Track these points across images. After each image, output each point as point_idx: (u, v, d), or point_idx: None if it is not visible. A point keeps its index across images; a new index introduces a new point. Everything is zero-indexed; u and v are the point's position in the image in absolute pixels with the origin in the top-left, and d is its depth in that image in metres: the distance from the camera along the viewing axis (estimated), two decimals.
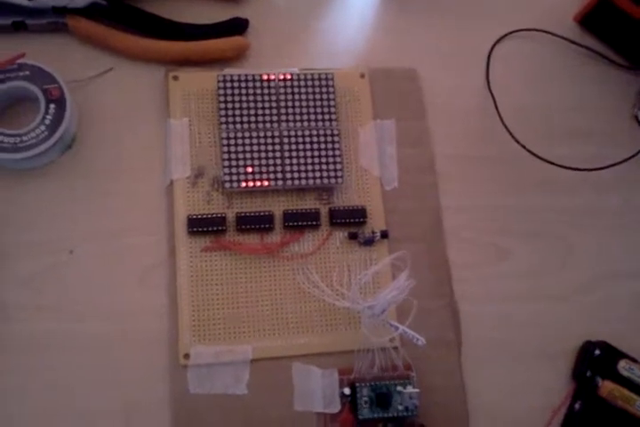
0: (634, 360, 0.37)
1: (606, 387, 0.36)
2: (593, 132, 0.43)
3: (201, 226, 0.35)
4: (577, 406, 0.36)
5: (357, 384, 0.33)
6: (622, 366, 0.36)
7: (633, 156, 0.40)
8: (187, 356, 0.34)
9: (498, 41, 0.43)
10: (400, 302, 0.33)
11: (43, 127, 0.35)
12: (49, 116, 0.35)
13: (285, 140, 0.37)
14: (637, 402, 0.35)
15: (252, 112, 0.37)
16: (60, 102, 0.35)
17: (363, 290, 0.34)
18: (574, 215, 0.41)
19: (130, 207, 0.36)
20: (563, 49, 0.44)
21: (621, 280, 0.40)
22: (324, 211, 0.37)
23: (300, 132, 0.37)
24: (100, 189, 0.36)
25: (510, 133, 0.39)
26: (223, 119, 0.36)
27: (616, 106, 0.43)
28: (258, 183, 0.36)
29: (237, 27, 0.40)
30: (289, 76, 0.38)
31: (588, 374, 0.36)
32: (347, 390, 0.33)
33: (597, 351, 0.37)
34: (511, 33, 0.44)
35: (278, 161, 0.36)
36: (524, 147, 0.39)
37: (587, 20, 0.44)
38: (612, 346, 0.37)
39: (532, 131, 0.41)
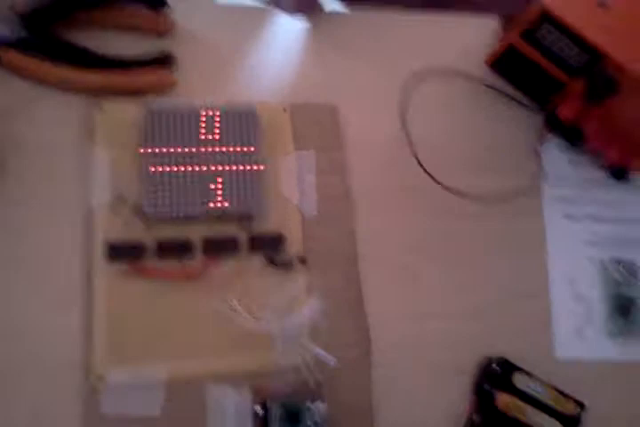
0: (528, 374, 0.39)
1: (503, 399, 0.38)
2: (499, 165, 0.46)
3: (120, 252, 0.36)
4: (476, 418, 0.38)
5: (268, 403, 0.35)
6: (517, 378, 0.39)
7: (531, 188, 0.44)
8: (100, 377, 0.34)
9: (412, 78, 0.45)
10: (311, 324, 0.34)
11: None
12: None
13: (209, 169, 0.38)
14: (528, 411, 0.38)
15: (177, 142, 0.38)
16: None
17: (279, 313, 0.35)
18: (481, 241, 0.44)
19: (48, 232, 0.36)
20: (473, 88, 0.47)
21: (521, 300, 0.43)
22: (243, 238, 0.38)
23: (222, 161, 0.38)
24: (19, 217, 0.37)
25: (421, 165, 0.42)
26: (147, 149, 0.37)
27: (521, 142, 0.47)
28: (180, 210, 0.37)
29: (164, 60, 0.41)
30: (214, 109, 0.39)
31: (486, 387, 0.39)
32: (258, 409, 0.34)
33: (495, 366, 0.39)
34: (425, 71, 0.46)
35: (199, 188, 0.37)
36: (432, 177, 0.41)
37: (496, 64, 0.48)
38: (509, 361, 0.40)
39: (442, 164, 0.43)
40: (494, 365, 0.39)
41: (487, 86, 0.47)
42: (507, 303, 0.42)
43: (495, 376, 0.39)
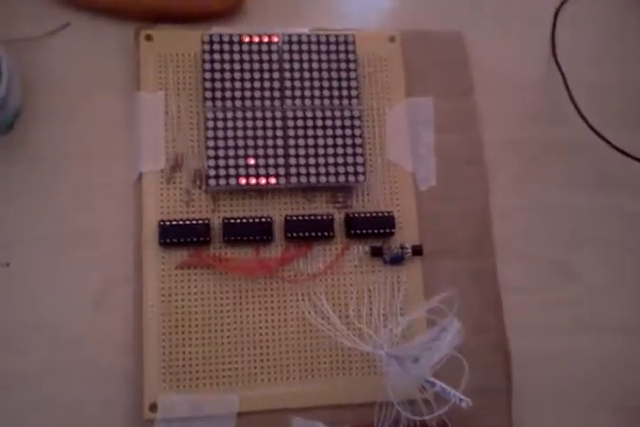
0: None
1: None
2: None
3: (176, 235, 0.28)
4: None
5: None
6: None
7: None
8: (153, 407, 0.27)
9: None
10: (437, 346, 0.25)
11: None
12: None
13: (290, 123, 0.30)
14: None
15: (248, 85, 0.30)
16: None
17: (389, 327, 0.26)
18: None
19: (85, 207, 0.30)
20: None
21: None
22: (338, 218, 0.30)
23: (309, 114, 0.30)
24: (47, 183, 0.30)
25: (582, 116, 0.32)
26: (209, 94, 0.30)
27: None
28: (253, 180, 0.29)
29: None
30: (296, 39, 0.31)
31: None
32: None
33: None
34: None
35: (280, 151, 0.30)
36: (598, 134, 0.32)
37: None
38: None
39: (609, 113, 0.34)
40: None
41: None
42: None
43: None
